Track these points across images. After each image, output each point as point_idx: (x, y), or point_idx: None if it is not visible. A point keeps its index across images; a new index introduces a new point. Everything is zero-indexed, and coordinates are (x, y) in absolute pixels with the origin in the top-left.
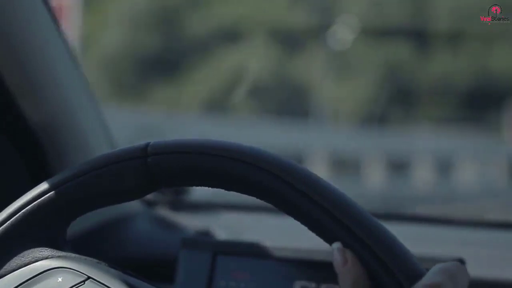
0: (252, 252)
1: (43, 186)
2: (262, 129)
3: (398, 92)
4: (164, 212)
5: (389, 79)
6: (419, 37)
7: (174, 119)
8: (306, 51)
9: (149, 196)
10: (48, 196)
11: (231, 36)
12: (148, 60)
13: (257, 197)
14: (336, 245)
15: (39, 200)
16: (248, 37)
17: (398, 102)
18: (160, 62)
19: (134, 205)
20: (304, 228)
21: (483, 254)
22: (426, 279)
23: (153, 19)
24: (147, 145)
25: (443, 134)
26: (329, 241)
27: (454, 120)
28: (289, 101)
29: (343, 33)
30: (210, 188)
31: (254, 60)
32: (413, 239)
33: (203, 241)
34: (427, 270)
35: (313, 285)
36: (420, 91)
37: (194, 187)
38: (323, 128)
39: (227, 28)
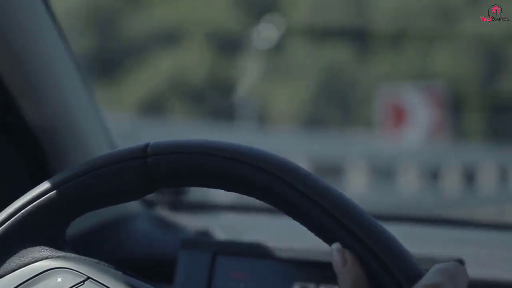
0: (252, 252)
1: (43, 186)
2: (196, 131)
3: (338, 94)
4: (164, 212)
5: (329, 80)
6: (360, 39)
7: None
8: (244, 53)
9: (149, 197)
10: (48, 196)
11: (168, 38)
12: (84, 61)
13: (257, 198)
14: (336, 245)
15: (39, 201)
16: (185, 39)
17: (337, 104)
18: (97, 64)
19: (134, 206)
20: (303, 229)
21: (482, 255)
22: (425, 279)
23: (90, 20)
24: (147, 145)
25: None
26: (329, 241)
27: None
28: (223, 103)
29: (271, 32)
30: (209, 188)
31: (190, 61)
32: (412, 240)
33: (202, 242)
34: (427, 270)
35: (313, 285)
36: (360, 93)
37: (194, 188)
38: (259, 130)
39: (164, 30)
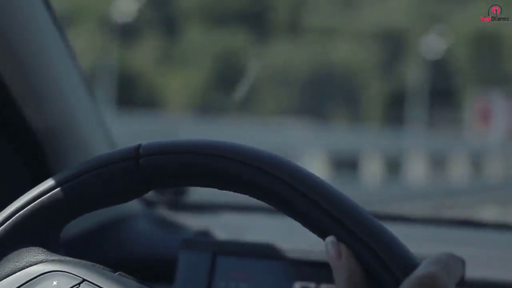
0: (252, 252)
1: (35, 191)
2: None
3: (233, 81)
4: (164, 212)
5: (224, 67)
6: (257, 25)
7: None
8: (139, 39)
9: (149, 197)
10: (41, 200)
11: (63, 23)
12: None
13: (250, 195)
14: (330, 238)
15: (32, 205)
16: (80, 25)
17: (233, 91)
18: None
19: (133, 206)
20: (303, 228)
21: (482, 255)
22: (420, 270)
23: None
24: (139, 146)
25: (285, 125)
26: (323, 235)
27: (293, 111)
28: (121, 90)
29: (128, 7)
30: (206, 188)
31: (83, 46)
32: (412, 240)
33: (202, 242)
34: None
35: (313, 285)
36: (257, 81)
37: (194, 188)
38: (150, 115)
39: (59, 15)
